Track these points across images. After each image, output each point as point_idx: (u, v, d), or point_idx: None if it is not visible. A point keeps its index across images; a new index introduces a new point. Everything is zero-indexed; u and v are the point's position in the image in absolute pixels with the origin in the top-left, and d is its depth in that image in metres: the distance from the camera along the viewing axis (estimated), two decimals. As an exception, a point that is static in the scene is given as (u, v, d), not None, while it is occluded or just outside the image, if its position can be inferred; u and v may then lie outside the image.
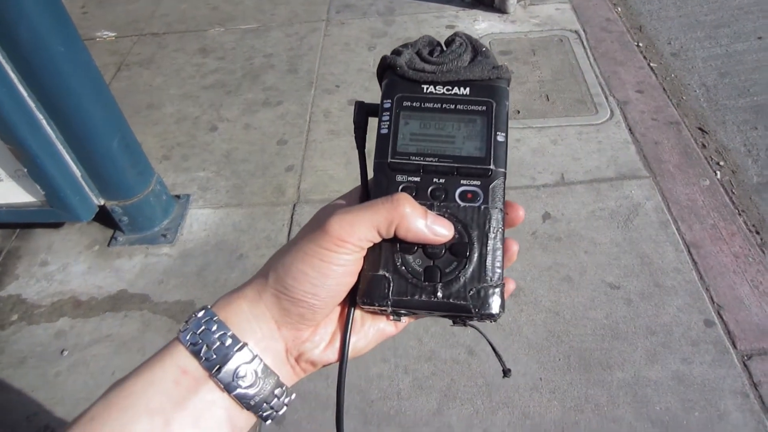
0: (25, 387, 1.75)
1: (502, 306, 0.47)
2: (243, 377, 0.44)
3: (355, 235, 0.44)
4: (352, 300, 0.49)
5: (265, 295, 0.46)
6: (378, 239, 0.46)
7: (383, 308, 0.47)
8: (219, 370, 0.44)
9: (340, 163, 2.40)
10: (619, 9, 3.23)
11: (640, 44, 2.97)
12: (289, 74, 2.91)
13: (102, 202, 1.98)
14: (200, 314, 0.46)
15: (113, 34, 3.35)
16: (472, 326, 0.52)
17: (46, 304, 1.97)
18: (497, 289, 0.46)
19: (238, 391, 0.44)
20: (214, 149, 2.53)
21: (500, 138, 0.50)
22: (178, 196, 2.30)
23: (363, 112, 0.55)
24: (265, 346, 0.47)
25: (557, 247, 1.99)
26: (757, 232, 2.05)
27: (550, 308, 1.81)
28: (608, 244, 1.99)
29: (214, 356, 0.44)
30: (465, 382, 1.66)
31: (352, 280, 0.47)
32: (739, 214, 2.09)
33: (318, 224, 0.46)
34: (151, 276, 2.03)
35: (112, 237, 2.16)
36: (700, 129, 2.49)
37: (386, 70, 0.54)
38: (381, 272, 0.47)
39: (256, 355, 0.45)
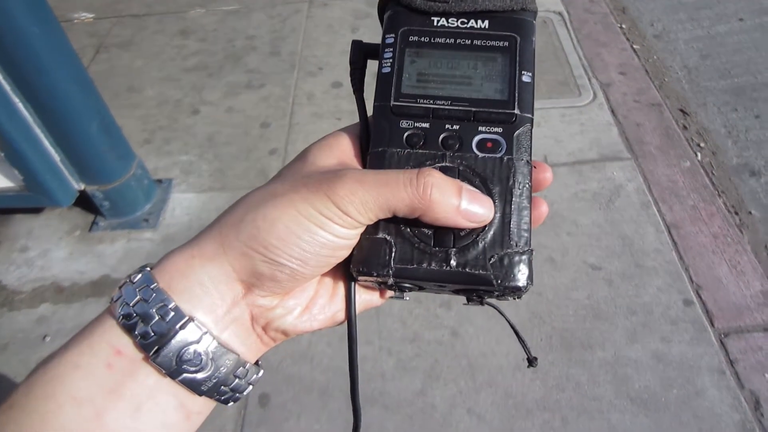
0: (8, 373, 1.74)
1: (530, 277, 0.39)
2: (188, 361, 0.36)
3: (366, 215, 0.37)
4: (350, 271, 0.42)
5: (232, 252, 0.37)
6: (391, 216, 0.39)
7: (383, 279, 0.39)
8: (157, 353, 0.35)
9: (324, 146, 2.39)
10: (603, -10, 3.23)
11: (623, 26, 2.98)
12: (272, 56, 2.89)
13: (82, 186, 1.96)
14: (137, 279, 0.38)
15: (91, 16, 3.29)
16: (490, 305, 0.45)
17: (27, 290, 1.95)
18: (524, 257, 0.39)
19: (184, 376, 0.36)
20: (196, 132, 2.51)
21: (526, 78, 0.43)
22: (160, 181, 2.28)
23: (360, 52, 0.47)
24: (223, 314, 0.38)
25: (540, 228, 2.00)
26: (736, 213, 2.08)
27: (532, 289, 1.82)
28: (590, 225, 2.00)
29: (152, 334, 0.36)
30: (448, 363, 1.68)
31: (349, 251, 0.40)
32: (719, 195, 2.11)
33: (317, 181, 0.38)
34: (133, 261, 2.01)
35: (93, 222, 2.14)
36: (681, 111, 2.51)
37: (389, 1, 0.46)
38: (381, 235, 0.39)
39: (206, 332, 0.37)
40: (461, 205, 0.37)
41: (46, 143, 1.78)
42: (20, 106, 1.66)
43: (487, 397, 1.60)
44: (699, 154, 2.29)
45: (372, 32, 2.88)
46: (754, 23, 2.95)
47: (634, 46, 2.83)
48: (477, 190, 0.39)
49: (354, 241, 0.39)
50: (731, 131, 2.42)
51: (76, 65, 1.74)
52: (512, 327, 0.49)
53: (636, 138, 2.32)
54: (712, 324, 1.72)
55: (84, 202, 2.09)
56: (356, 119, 0.46)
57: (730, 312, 1.75)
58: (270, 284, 0.38)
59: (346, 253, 0.39)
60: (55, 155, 1.82)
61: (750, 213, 2.09)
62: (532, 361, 0.51)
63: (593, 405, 1.58)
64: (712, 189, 2.13)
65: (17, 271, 2.02)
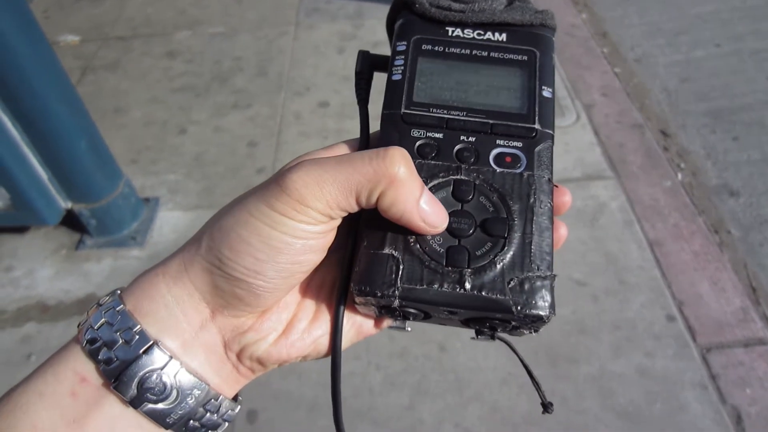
0: (-10, 393, 1.72)
1: (552, 306, 0.34)
2: (150, 389, 0.33)
3: (323, 199, 0.32)
4: (341, 288, 0.37)
5: (193, 269, 0.34)
6: (355, 209, 0.34)
7: (387, 301, 0.34)
8: (118, 379, 0.33)
9: (311, 166, 2.41)
10: (584, 15, 3.31)
11: (604, 50, 3.05)
12: (259, 77, 2.92)
13: (69, 205, 1.96)
14: (105, 301, 0.36)
15: (77, 38, 3.30)
16: (502, 339, 0.40)
17: (12, 310, 1.93)
18: (546, 282, 0.34)
19: (147, 406, 0.33)
20: (183, 152, 2.52)
21: (546, 94, 0.40)
22: (147, 199, 2.28)
23: (367, 62, 0.44)
24: (192, 339, 0.35)
25: (525, 246, 2.03)
26: (716, 232, 2.12)
27: (518, 306, 1.85)
28: (575, 242, 2.03)
29: (115, 360, 0.33)
30: (436, 378, 1.68)
31: (315, 258, 0.35)
32: (699, 215, 2.16)
33: (274, 177, 0.34)
34: (120, 279, 2.00)
35: (79, 241, 2.13)
36: (662, 132, 2.57)
37: (401, 9, 0.43)
38: (387, 250, 0.35)
39: (172, 357, 0.34)
40: (420, 201, 0.33)
41: (34, 162, 1.78)
42: (9, 125, 1.66)
43: (475, 411, 1.61)
44: (680, 174, 2.34)
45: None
46: (730, 49, 3.03)
47: (615, 70, 2.90)
48: (437, 201, 0.35)
49: (319, 242, 0.34)
50: (710, 153, 2.48)
51: (66, 85, 1.75)
52: (526, 368, 0.44)
53: (619, 158, 2.37)
54: (694, 339, 1.75)
55: (70, 220, 2.08)
56: (342, 138, 0.43)
57: (712, 328, 1.78)
58: (235, 302, 0.35)
59: (312, 258, 0.35)
60: (43, 174, 1.83)
61: (729, 232, 2.14)
62: (547, 407, 0.46)
63: (579, 419, 1.59)
64: (693, 208, 2.17)
65: (1, 290, 2.00)
